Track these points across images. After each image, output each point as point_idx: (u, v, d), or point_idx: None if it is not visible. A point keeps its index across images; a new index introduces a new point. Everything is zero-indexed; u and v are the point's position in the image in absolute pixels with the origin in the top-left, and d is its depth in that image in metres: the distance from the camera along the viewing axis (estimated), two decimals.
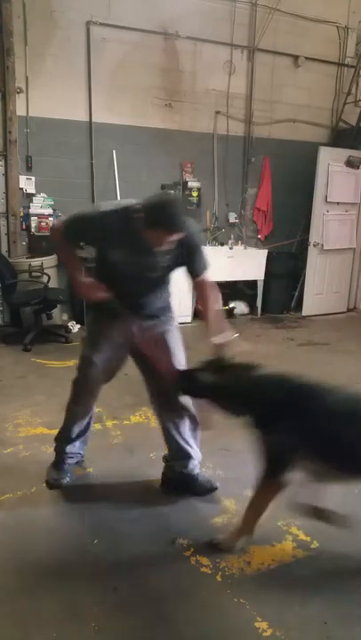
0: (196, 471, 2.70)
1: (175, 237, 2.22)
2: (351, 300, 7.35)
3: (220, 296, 2.50)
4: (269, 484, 2.17)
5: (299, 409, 2.08)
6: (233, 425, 3.54)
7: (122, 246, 2.32)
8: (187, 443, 2.64)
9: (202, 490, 2.69)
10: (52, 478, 2.77)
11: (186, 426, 2.62)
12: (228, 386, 2.21)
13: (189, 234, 2.33)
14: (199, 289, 2.49)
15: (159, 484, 2.77)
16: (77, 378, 2.65)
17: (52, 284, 5.53)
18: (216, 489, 2.71)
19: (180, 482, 2.69)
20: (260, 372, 2.26)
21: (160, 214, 2.18)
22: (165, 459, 2.75)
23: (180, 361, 2.53)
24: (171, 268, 2.41)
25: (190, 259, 2.39)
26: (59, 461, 2.80)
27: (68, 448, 2.77)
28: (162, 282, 2.48)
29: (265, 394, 2.16)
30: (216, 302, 2.47)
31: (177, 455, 2.66)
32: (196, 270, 2.43)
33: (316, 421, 2.05)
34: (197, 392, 2.37)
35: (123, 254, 2.33)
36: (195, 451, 2.67)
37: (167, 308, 2.57)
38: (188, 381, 2.35)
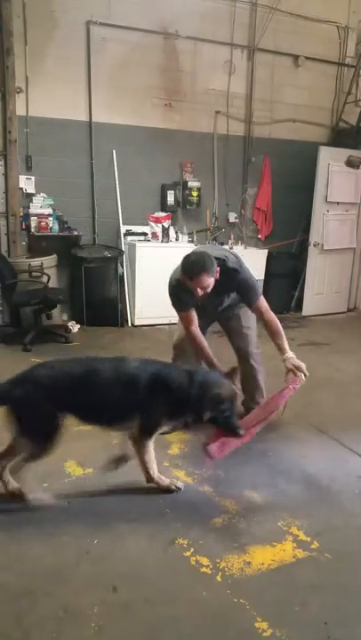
0: None
1: (200, 283, 2.86)
2: (351, 300, 7.35)
3: (275, 318, 3.10)
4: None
5: None
6: None
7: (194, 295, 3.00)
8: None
9: None
10: None
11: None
12: None
13: (235, 277, 3.07)
14: (261, 317, 3.15)
15: (154, 490, 2.77)
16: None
17: (52, 284, 5.53)
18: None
19: None
20: None
21: (182, 264, 2.95)
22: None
23: (251, 326, 3.40)
24: (229, 298, 3.26)
25: (241, 293, 3.17)
26: None
27: None
28: (228, 303, 3.31)
29: None
30: (277, 328, 3.08)
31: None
32: (247, 301, 3.18)
33: None
34: None
35: (203, 301, 3.07)
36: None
37: (236, 305, 3.35)
38: None
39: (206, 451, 2.61)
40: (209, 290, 2.92)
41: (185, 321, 3.14)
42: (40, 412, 2.45)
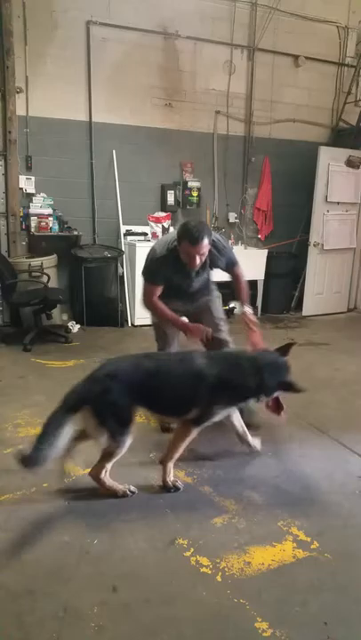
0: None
1: (199, 250, 2.95)
2: (351, 300, 7.35)
3: (245, 282, 3.42)
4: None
5: None
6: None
7: (177, 273, 3.15)
8: None
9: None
10: None
11: None
12: None
13: (215, 249, 3.15)
14: (234, 278, 3.38)
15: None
16: None
17: (52, 284, 5.53)
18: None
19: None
20: None
21: (184, 230, 2.96)
22: None
23: (222, 316, 3.49)
24: (207, 275, 3.33)
25: (228, 263, 3.30)
26: None
27: None
28: (204, 281, 3.35)
29: None
30: (244, 286, 3.39)
31: None
32: (231, 269, 3.35)
33: None
34: None
35: (179, 277, 3.17)
36: None
37: (208, 287, 3.43)
38: None
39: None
40: (204, 258, 3.05)
41: (150, 294, 3.17)
42: (120, 408, 2.55)
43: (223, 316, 3.54)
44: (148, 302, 3.22)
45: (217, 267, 3.29)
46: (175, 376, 2.70)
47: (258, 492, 2.76)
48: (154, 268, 3.14)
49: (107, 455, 2.60)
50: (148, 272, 3.18)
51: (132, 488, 2.70)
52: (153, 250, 3.17)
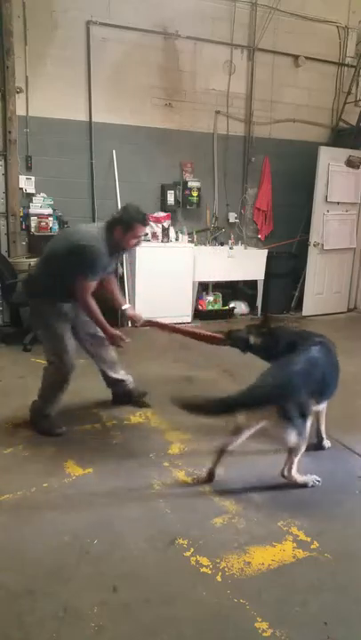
0: (132, 386, 3.73)
1: (145, 229, 3.28)
2: (351, 300, 7.35)
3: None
4: None
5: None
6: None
7: (109, 264, 3.29)
8: (118, 374, 3.67)
9: (137, 397, 3.74)
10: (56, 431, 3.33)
11: (115, 365, 3.66)
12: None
13: None
14: (108, 280, 3.46)
15: (159, 485, 2.78)
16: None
17: None
18: (146, 393, 3.76)
19: (124, 395, 3.72)
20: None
21: (133, 213, 3.14)
22: (110, 386, 3.71)
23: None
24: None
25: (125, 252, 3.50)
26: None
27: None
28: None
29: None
30: (117, 287, 3.62)
31: (116, 383, 3.68)
32: (110, 271, 3.43)
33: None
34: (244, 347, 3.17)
35: (110, 263, 3.29)
36: (125, 375, 3.71)
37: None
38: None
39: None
40: None
41: (88, 290, 3.13)
42: (306, 405, 2.69)
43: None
44: (86, 301, 3.15)
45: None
46: (329, 364, 2.95)
47: (258, 492, 2.76)
48: (99, 264, 3.12)
49: (294, 451, 2.69)
50: (94, 269, 3.11)
51: (317, 477, 2.82)
52: (93, 246, 3.06)
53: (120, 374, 3.69)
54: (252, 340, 3.14)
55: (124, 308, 3.57)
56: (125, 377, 3.71)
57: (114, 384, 3.71)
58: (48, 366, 3.34)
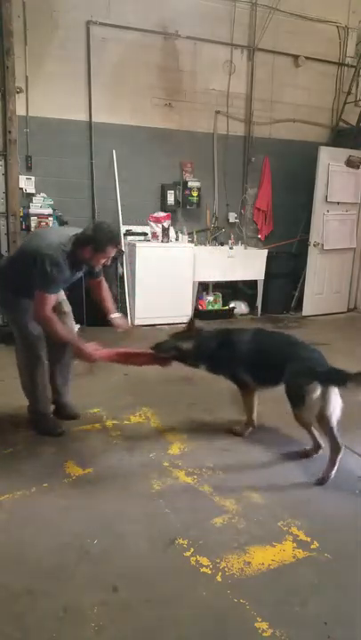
0: (69, 399, 3.60)
1: (115, 252, 3.14)
2: (351, 300, 7.35)
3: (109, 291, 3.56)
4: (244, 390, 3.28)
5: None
6: (233, 426, 3.54)
7: (70, 278, 3.18)
8: (67, 381, 3.56)
9: (71, 413, 3.55)
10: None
11: (67, 372, 3.55)
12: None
13: None
14: (98, 286, 3.49)
15: (159, 485, 2.78)
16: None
17: None
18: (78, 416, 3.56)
19: (62, 408, 3.55)
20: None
21: (109, 233, 3.09)
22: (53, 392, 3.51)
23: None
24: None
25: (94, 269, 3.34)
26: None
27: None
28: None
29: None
30: (109, 294, 3.55)
31: (61, 390, 3.53)
32: (97, 274, 3.43)
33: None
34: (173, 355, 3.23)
35: (72, 276, 3.20)
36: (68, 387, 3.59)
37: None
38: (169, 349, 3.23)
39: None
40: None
41: (49, 306, 2.99)
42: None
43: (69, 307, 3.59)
44: (44, 316, 2.98)
45: (89, 270, 3.33)
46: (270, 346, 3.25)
47: (258, 492, 2.76)
48: (60, 278, 2.99)
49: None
50: (54, 282, 2.98)
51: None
52: (53, 258, 2.93)
53: (64, 384, 3.55)
54: (183, 346, 3.18)
55: (112, 316, 3.48)
56: (65, 390, 3.56)
57: (55, 390, 3.54)
58: (17, 348, 3.31)
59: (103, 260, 3.14)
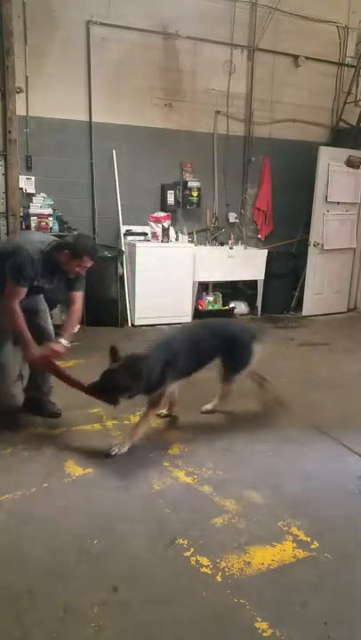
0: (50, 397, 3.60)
1: (90, 263, 3.17)
2: (351, 300, 7.35)
3: (80, 311, 3.49)
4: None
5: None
6: (233, 426, 3.55)
7: (43, 277, 3.18)
8: (46, 380, 3.54)
9: (50, 411, 3.55)
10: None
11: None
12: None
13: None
14: (71, 301, 3.39)
15: (159, 485, 2.78)
16: None
17: None
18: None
19: (37, 403, 3.55)
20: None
21: (89, 246, 3.19)
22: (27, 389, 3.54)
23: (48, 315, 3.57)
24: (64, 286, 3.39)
25: (77, 279, 3.33)
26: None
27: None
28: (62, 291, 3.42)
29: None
30: (76, 315, 3.46)
31: (42, 388, 3.54)
32: (76, 288, 3.36)
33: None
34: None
35: (47, 280, 3.22)
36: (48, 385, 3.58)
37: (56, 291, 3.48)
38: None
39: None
40: None
41: (16, 297, 3.08)
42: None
43: (45, 308, 3.58)
44: (10, 306, 3.06)
45: (68, 281, 3.34)
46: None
47: (258, 491, 2.76)
48: (29, 270, 3.06)
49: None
50: (23, 273, 3.05)
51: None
52: (24, 250, 3.06)
53: (44, 383, 3.57)
54: (122, 379, 2.99)
55: (60, 339, 3.33)
56: (45, 388, 3.58)
57: (36, 388, 3.59)
58: None
59: (78, 269, 3.18)
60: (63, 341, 3.28)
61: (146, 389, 3.08)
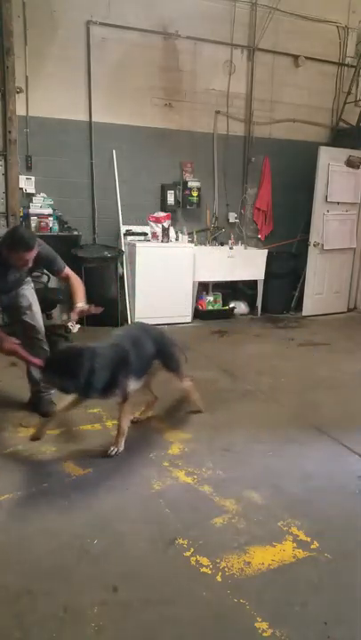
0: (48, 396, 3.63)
1: (32, 255, 3.18)
2: (351, 300, 7.36)
3: (79, 279, 3.61)
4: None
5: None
6: (233, 426, 3.55)
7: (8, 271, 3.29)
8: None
9: (44, 410, 3.56)
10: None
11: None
12: None
13: (40, 252, 3.30)
14: (66, 280, 3.56)
15: (159, 485, 2.78)
16: None
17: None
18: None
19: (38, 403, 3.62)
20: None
21: (18, 238, 3.16)
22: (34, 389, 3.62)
23: (36, 310, 3.65)
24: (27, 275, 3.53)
25: (49, 264, 3.52)
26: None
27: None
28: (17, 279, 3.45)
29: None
30: (79, 283, 3.58)
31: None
32: (56, 269, 3.53)
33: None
34: None
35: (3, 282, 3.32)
36: None
37: (25, 280, 3.58)
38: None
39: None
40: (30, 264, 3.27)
41: None
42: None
43: (37, 306, 3.68)
44: None
45: (43, 268, 3.61)
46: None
47: (258, 491, 2.76)
48: None
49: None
50: None
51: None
52: None
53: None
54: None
55: (77, 305, 3.49)
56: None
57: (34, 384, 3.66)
58: None
59: (21, 262, 3.19)
60: (79, 304, 3.43)
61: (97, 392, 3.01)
